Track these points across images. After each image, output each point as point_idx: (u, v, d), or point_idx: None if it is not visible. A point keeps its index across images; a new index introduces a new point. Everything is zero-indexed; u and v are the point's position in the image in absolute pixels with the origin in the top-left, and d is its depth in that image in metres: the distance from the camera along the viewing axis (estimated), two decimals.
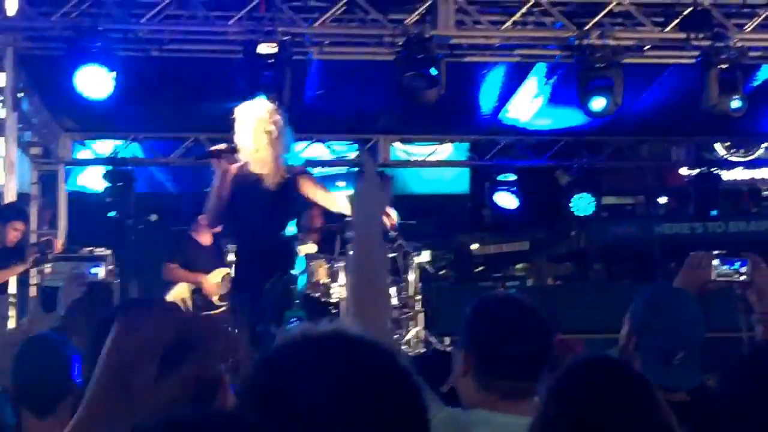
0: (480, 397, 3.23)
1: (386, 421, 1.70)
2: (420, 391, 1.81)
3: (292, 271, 8.02)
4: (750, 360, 3.34)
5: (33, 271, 11.87)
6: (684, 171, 15.60)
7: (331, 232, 12.23)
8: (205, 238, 10.89)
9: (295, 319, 4.62)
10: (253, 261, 7.64)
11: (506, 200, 14.56)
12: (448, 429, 3.12)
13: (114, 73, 9.41)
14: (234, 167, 7.50)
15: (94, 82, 9.36)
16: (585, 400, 2.38)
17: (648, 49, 10.51)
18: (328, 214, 12.43)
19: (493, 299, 3.52)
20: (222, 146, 7.60)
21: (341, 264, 11.04)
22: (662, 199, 18.08)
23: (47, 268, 11.15)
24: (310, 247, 11.01)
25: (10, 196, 9.75)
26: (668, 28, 10.26)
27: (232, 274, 8.09)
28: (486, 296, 3.53)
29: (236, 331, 7.25)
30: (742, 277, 4.21)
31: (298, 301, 9.40)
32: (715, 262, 4.24)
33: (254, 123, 7.44)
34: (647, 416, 2.36)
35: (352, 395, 1.70)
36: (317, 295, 10.95)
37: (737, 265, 4.22)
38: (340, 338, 1.81)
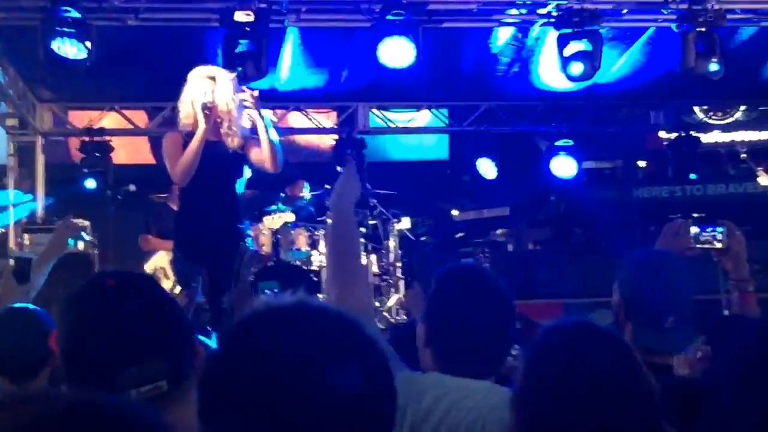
0: (437, 370, 3.24)
1: (352, 392, 1.70)
2: (386, 361, 1.81)
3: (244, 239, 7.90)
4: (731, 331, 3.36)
5: (12, 242, 11.85)
6: (663, 134, 15.61)
7: (312, 201, 12.27)
8: None
9: (269, 290, 4.60)
10: (206, 229, 7.52)
11: (487, 168, 14.55)
12: (402, 390, 3.13)
13: (88, 43, 9.31)
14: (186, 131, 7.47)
15: (71, 51, 9.27)
16: (564, 365, 2.38)
17: (626, 12, 10.48)
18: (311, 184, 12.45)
19: (451, 272, 3.50)
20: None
21: (321, 233, 11.07)
22: (641, 163, 18.08)
23: (26, 239, 11.14)
24: (289, 216, 11.02)
25: None
26: None
27: (179, 240, 7.89)
28: (447, 269, 3.51)
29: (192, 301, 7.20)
30: (719, 244, 4.24)
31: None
32: (693, 229, 4.26)
33: (226, 85, 7.42)
34: (627, 379, 2.37)
35: (316, 367, 1.70)
36: (298, 262, 11.00)
37: (714, 231, 4.24)
38: (305, 309, 1.80)
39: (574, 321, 2.60)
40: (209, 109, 7.30)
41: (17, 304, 4.28)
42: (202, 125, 7.29)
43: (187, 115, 7.44)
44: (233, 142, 7.41)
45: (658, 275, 3.77)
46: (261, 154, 7.41)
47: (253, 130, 7.45)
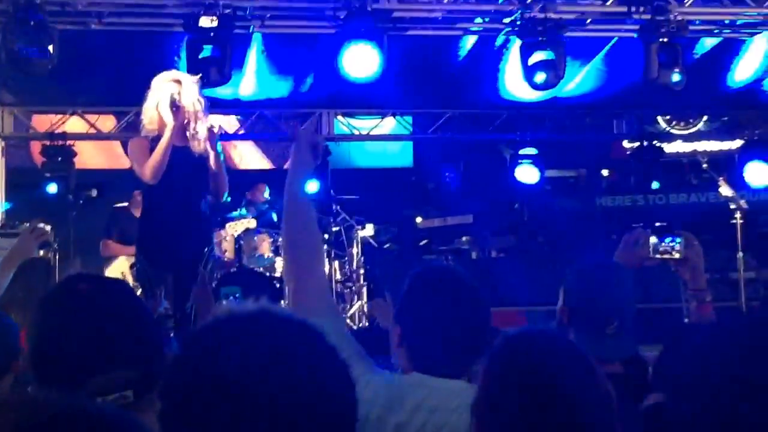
0: (412, 369, 3.24)
1: (311, 401, 1.70)
2: (345, 370, 1.82)
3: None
4: (684, 337, 3.38)
5: None
6: (626, 144, 15.70)
7: (275, 208, 12.24)
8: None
9: (231, 296, 4.58)
10: (173, 233, 7.48)
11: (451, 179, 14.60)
12: (382, 391, 3.14)
13: (51, 46, 9.25)
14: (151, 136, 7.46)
15: (35, 54, 9.21)
16: (523, 372, 2.39)
17: (590, 22, 10.55)
18: (270, 189, 12.43)
19: (426, 272, 3.49)
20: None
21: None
22: (605, 172, 18.20)
23: None
24: (251, 222, 10.99)
25: None
26: (609, 2, 10.31)
27: (142, 244, 7.84)
28: (421, 269, 3.51)
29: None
30: (677, 254, 4.28)
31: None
32: (652, 239, 4.30)
33: (191, 88, 7.42)
34: (586, 386, 2.38)
35: (277, 375, 1.70)
36: (261, 269, 10.98)
37: (672, 242, 4.28)
38: (266, 317, 1.81)
39: (533, 328, 2.61)
40: (176, 107, 7.29)
41: None
42: (170, 122, 7.28)
43: (152, 120, 7.43)
44: (199, 146, 7.40)
45: (600, 283, 3.81)
46: (211, 181, 7.45)
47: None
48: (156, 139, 7.39)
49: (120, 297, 2.46)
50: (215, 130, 7.54)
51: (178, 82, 7.43)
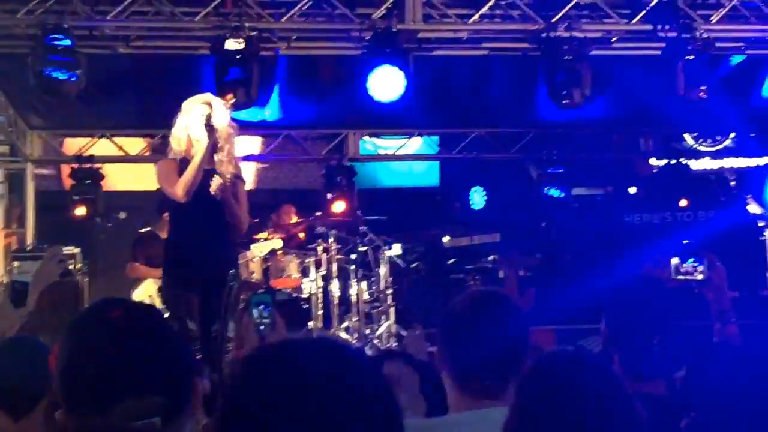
0: (457, 394, 3.22)
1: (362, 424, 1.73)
2: (394, 397, 1.84)
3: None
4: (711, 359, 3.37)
5: (0, 269, 11.82)
6: (653, 161, 15.65)
7: (300, 227, 12.27)
8: None
9: (262, 304, 4.58)
10: (198, 255, 7.49)
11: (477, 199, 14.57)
12: None
13: (79, 70, 9.32)
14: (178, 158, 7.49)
15: (64, 78, 9.28)
16: (553, 395, 2.39)
17: (615, 40, 10.54)
18: (300, 211, 12.46)
19: (464, 298, 3.49)
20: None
21: (311, 259, 11.08)
22: (631, 190, 18.12)
23: (15, 266, 11.11)
24: (276, 243, 11.02)
25: None
26: (635, 20, 10.29)
27: (169, 266, 7.85)
28: (459, 295, 3.49)
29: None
30: (700, 276, 4.27)
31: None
32: (674, 261, 4.29)
33: (222, 111, 7.44)
34: (615, 408, 2.38)
35: (330, 398, 1.74)
36: (289, 290, 11.00)
37: (695, 264, 4.27)
38: (324, 347, 1.84)
39: (565, 350, 2.60)
40: (210, 127, 7.30)
41: (15, 335, 4.25)
42: (204, 140, 7.29)
43: (180, 142, 7.44)
44: (227, 170, 7.40)
45: (639, 300, 3.79)
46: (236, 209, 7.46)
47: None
48: (184, 161, 7.41)
49: (148, 322, 2.47)
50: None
51: (209, 104, 7.45)
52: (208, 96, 7.67)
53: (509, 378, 3.22)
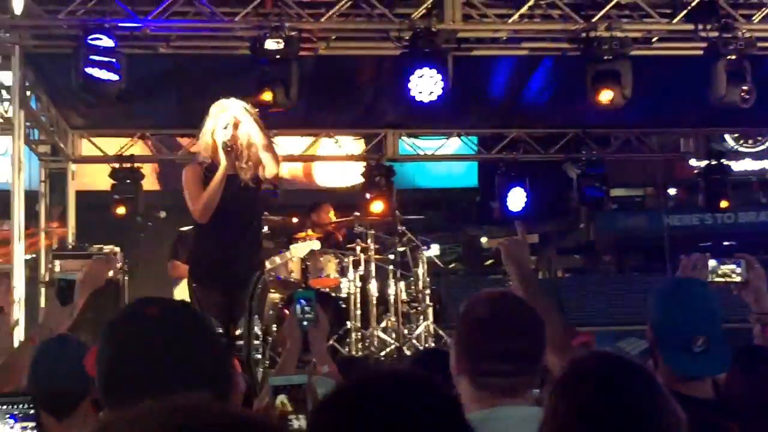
0: (474, 395, 3.21)
1: None
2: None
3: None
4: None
5: (43, 268, 11.93)
6: (693, 162, 15.56)
7: (339, 227, 12.29)
8: None
9: (304, 300, 4.59)
10: (224, 259, 7.55)
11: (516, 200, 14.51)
12: None
13: (120, 70, 9.40)
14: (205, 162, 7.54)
15: (105, 78, 9.36)
16: (589, 397, 2.38)
17: (656, 40, 10.48)
18: (338, 211, 12.48)
19: (479, 298, 3.47)
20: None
21: (350, 259, 11.09)
22: (671, 191, 18.05)
23: (57, 265, 11.21)
24: (315, 244, 11.04)
25: (19, 194, 9.76)
26: (676, 20, 10.23)
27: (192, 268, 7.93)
28: (474, 295, 3.50)
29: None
30: (738, 278, 4.23)
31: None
32: (712, 263, 4.25)
33: (247, 120, 7.46)
34: (653, 410, 2.36)
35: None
36: (327, 289, 11.01)
37: (732, 266, 4.23)
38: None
39: (601, 352, 2.59)
40: (230, 147, 7.34)
41: (58, 335, 4.28)
42: (223, 163, 7.33)
43: (207, 147, 7.48)
44: (246, 175, 7.44)
45: (683, 299, 3.75)
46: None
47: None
48: (210, 168, 7.45)
49: (188, 319, 2.48)
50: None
51: (237, 113, 7.46)
52: (233, 103, 7.64)
53: (528, 375, 3.23)
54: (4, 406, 3.18)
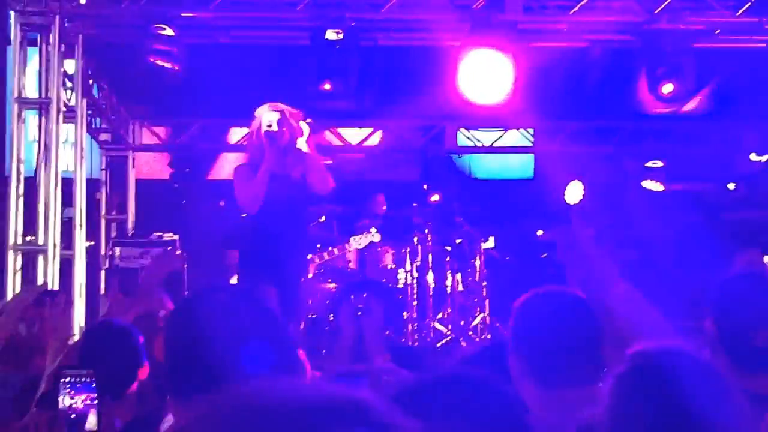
0: (537, 395, 3.19)
1: None
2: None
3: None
4: None
5: (103, 255, 12.04)
6: (754, 157, 15.35)
7: (397, 218, 12.29)
8: None
9: (358, 292, 4.64)
10: (271, 261, 7.64)
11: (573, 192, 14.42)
12: None
13: (182, 60, 9.48)
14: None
15: (166, 67, 9.44)
16: (649, 391, 2.36)
17: (719, 33, 10.36)
18: (393, 201, 12.49)
19: (534, 298, 3.43)
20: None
21: (407, 250, 11.09)
22: (731, 185, 17.81)
23: (117, 252, 11.32)
24: (375, 236, 11.07)
25: (80, 182, 9.86)
26: (740, 12, 10.10)
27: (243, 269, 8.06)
28: (530, 295, 3.45)
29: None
30: None
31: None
32: (766, 258, 4.22)
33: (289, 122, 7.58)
34: (718, 403, 2.34)
35: None
36: (384, 280, 11.03)
37: None
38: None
39: (660, 345, 2.57)
40: (272, 138, 7.44)
41: (104, 319, 4.33)
42: (268, 155, 7.45)
43: (253, 147, 7.65)
44: (292, 172, 7.57)
45: (746, 293, 3.71)
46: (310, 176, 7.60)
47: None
48: (256, 166, 7.56)
49: (254, 305, 2.50)
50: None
51: (280, 111, 7.59)
52: (278, 105, 7.78)
53: (589, 372, 3.21)
54: (67, 378, 3.24)
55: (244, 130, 13.72)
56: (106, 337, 3.99)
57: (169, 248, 5.39)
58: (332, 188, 7.88)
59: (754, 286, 3.74)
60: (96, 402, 3.24)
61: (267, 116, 7.63)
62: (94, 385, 3.25)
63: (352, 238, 10.97)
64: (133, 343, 3.96)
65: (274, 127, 7.55)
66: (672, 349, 2.58)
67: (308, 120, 7.85)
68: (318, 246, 10.96)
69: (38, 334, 4.15)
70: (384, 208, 12.31)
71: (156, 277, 4.79)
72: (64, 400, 3.23)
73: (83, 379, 3.25)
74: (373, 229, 11.16)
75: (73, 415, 3.20)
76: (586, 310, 3.32)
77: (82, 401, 3.23)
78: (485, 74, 9.70)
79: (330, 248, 10.70)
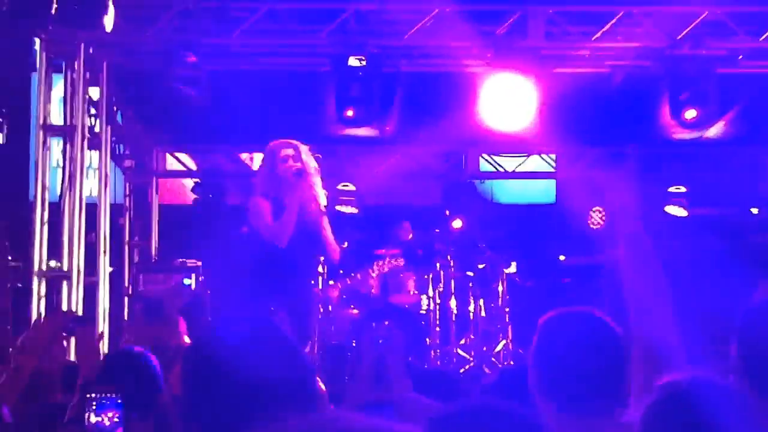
0: (558, 419, 3.15)
1: None
2: None
3: None
4: None
5: (126, 282, 12.08)
6: None
7: (420, 245, 12.29)
8: None
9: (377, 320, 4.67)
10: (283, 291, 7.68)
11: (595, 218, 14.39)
12: None
13: (205, 87, 9.54)
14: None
15: (190, 94, 9.50)
16: (681, 424, 2.34)
17: (742, 58, 10.34)
18: (416, 228, 12.49)
19: (556, 319, 3.40)
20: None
21: (430, 276, 11.09)
22: (754, 210, 17.73)
23: (140, 279, 11.35)
24: (399, 261, 11.07)
25: (104, 208, 9.91)
26: (762, 37, 10.09)
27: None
28: (551, 316, 3.44)
29: None
30: None
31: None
32: None
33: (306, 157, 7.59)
34: None
35: None
36: (406, 306, 11.03)
37: None
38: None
39: (692, 376, 2.55)
40: (299, 174, 7.45)
41: (126, 347, 4.35)
42: (294, 191, 7.46)
43: (266, 181, 7.63)
44: (312, 208, 7.57)
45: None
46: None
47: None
48: (273, 200, 7.55)
49: (275, 337, 2.50)
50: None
51: (294, 147, 7.58)
52: (291, 141, 7.78)
53: (611, 397, 3.19)
54: (93, 395, 3.26)
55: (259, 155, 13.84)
56: (126, 363, 4.00)
57: (169, 289, 5.39)
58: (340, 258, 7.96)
59: None
60: (122, 419, 3.25)
61: (282, 150, 7.61)
62: (120, 401, 3.26)
63: (375, 263, 11.00)
64: (153, 369, 3.97)
65: (290, 162, 7.52)
66: (701, 380, 2.57)
67: (317, 155, 7.85)
68: (341, 272, 10.97)
69: (66, 363, 4.17)
70: (410, 235, 12.33)
71: (170, 308, 4.81)
72: (91, 418, 3.24)
73: (109, 396, 3.26)
74: (398, 254, 11.20)
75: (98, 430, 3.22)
76: (611, 333, 3.29)
77: (109, 418, 3.24)
78: (508, 101, 9.70)
79: (352, 274, 10.72)
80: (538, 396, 3.26)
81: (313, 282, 8.18)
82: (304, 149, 7.65)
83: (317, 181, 7.65)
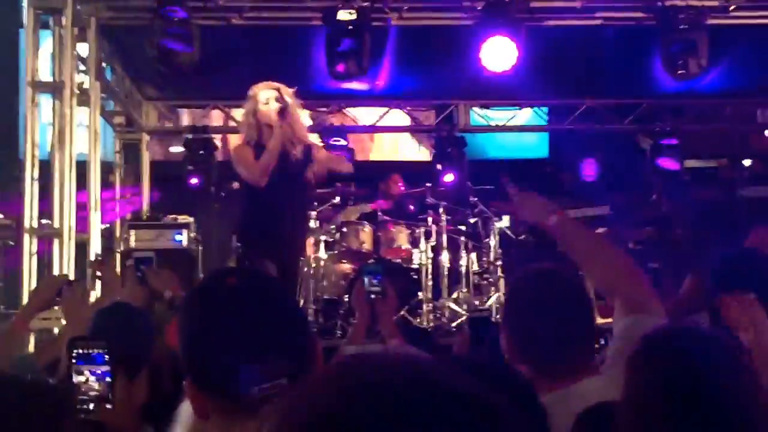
0: (530, 377, 3.08)
1: None
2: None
3: None
4: None
5: (118, 239, 12.08)
6: None
7: (410, 198, 12.29)
8: None
9: (373, 274, 4.65)
10: (272, 239, 7.70)
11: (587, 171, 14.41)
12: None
13: (194, 42, 9.48)
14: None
15: (179, 50, 9.45)
16: (666, 373, 2.34)
17: (733, 9, 10.29)
18: (408, 182, 12.49)
19: (525, 278, 3.42)
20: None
21: (422, 230, 11.09)
22: (746, 162, 17.74)
23: (132, 235, 11.34)
24: (365, 208, 11.17)
25: (95, 165, 9.89)
26: None
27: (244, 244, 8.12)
28: (521, 272, 3.44)
29: None
30: None
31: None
32: None
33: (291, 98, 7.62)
34: (735, 383, 2.33)
35: None
36: (398, 260, 11.03)
37: None
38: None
39: (675, 325, 2.56)
40: (282, 110, 7.47)
41: (117, 302, 4.33)
42: (277, 127, 7.47)
43: (250, 126, 7.64)
44: (296, 150, 7.60)
45: (746, 271, 3.70)
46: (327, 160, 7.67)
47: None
48: (255, 145, 7.57)
49: (266, 287, 2.50)
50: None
51: (277, 89, 7.60)
52: (274, 84, 7.81)
53: (584, 355, 3.20)
54: (79, 351, 3.22)
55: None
56: (117, 317, 3.98)
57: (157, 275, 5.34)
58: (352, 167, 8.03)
59: (753, 265, 3.74)
60: (110, 374, 3.23)
61: (263, 94, 7.65)
62: (107, 357, 3.23)
63: (341, 212, 11.13)
64: (145, 323, 3.96)
65: (272, 105, 7.56)
66: (684, 329, 2.58)
67: (301, 102, 7.89)
68: (332, 227, 10.97)
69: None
70: (401, 188, 12.32)
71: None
72: (77, 371, 3.21)
73: (96, 351, 3.23)
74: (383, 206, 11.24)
75: (85, 387, 3.20)
76: (578, 287, 3.30)
77: (95, 372, 3.21)
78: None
79: (343, 229, 10.78)
80: (510, 359, 3.25)
81: (300, 228, 8.16)
82: (287, 91, 7.65)
83: (301, 119, 7.68)
